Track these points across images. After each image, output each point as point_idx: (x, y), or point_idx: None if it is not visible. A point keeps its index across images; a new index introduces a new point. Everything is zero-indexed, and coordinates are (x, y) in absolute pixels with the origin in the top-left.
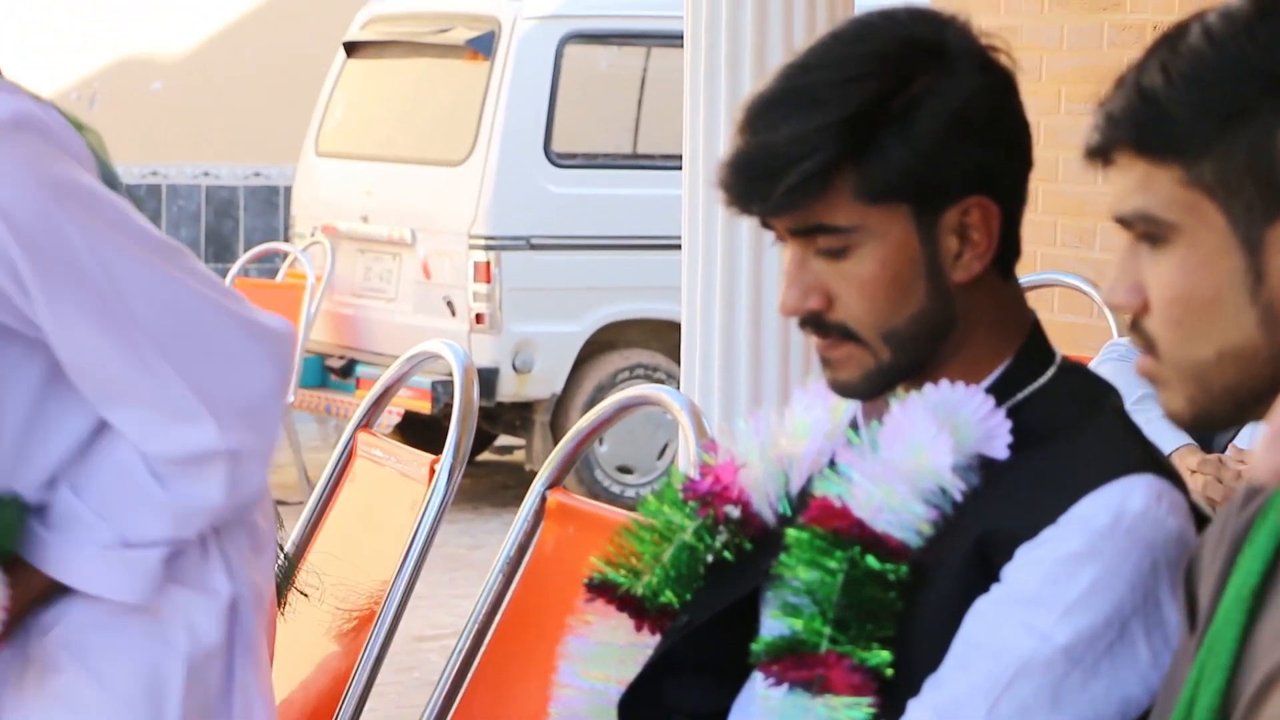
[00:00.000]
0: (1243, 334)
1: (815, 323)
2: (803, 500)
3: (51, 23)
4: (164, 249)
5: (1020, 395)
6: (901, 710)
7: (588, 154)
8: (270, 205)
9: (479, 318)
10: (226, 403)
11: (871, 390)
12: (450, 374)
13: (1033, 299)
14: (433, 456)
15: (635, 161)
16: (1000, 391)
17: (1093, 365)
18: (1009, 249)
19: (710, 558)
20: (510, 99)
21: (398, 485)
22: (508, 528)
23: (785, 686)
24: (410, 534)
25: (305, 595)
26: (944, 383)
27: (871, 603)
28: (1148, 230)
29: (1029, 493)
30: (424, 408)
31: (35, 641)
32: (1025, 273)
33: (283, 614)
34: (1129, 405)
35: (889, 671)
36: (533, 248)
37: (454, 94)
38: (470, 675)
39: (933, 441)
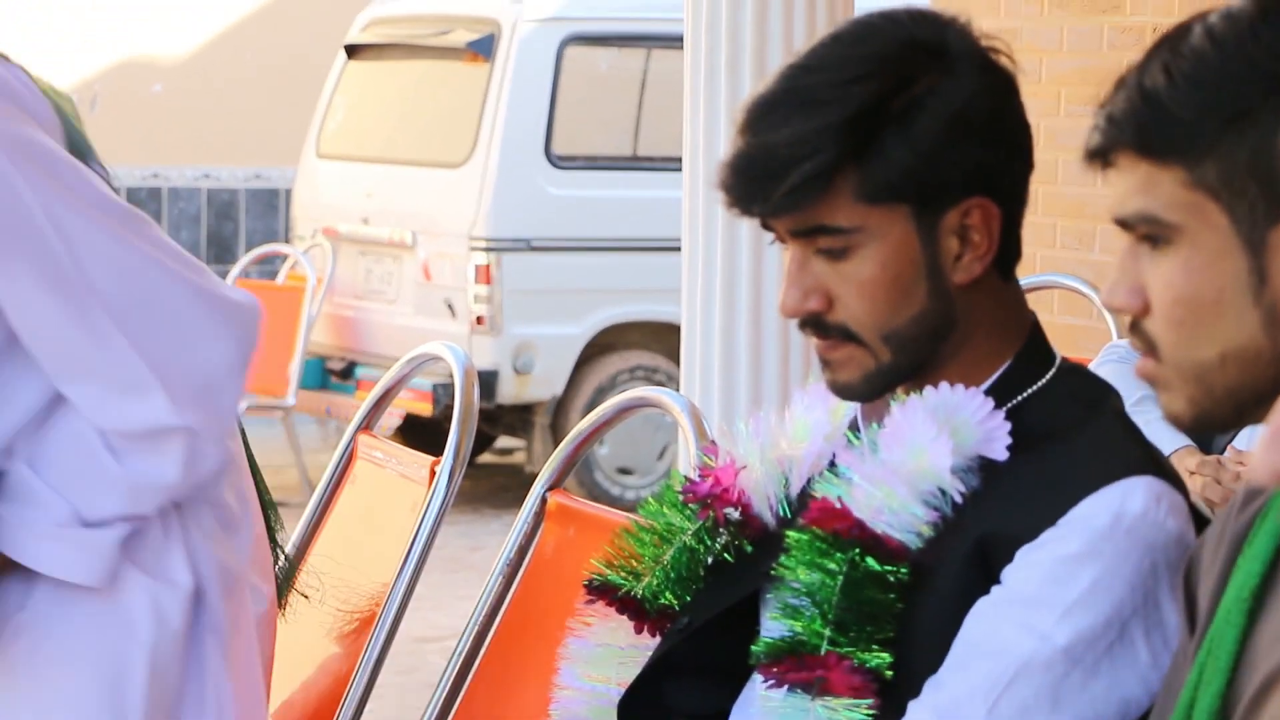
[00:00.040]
0: (1245, 335)
1: (815, 324)
2: (803, 502)
3: (51, 24)
4: (126, 217)
5: (1020, 397)
6: (902, 711)
7: (588, 156)
8: (271, 207)
9: (479, 320)
10: (182, 378)
11: (871, 391)
12: (451, 376)
13: (1032, 301)
14: (433, 458)
15: (635, 163)
16: (1000, 393)
17: (1092, 367)
18: (1009, 250)
19: (710, 559)
20: (510, 101)
21: (398, 487)
22: (508, 529)
23: (785, 688)
24: (411, 535)
25: (306, 597)
26: (944, 385)
27: (871, 604)
28: (1149, 232)
29: (1029, 494)
30: (425, 410)
31: (2, 621)
32: (1025, 275)
33: (283, 615)
34: (1128, 407)
35: (889, 673)
36: (533, 250)
37: (454, 96)
38: (471, 677)
39: (932, 443)
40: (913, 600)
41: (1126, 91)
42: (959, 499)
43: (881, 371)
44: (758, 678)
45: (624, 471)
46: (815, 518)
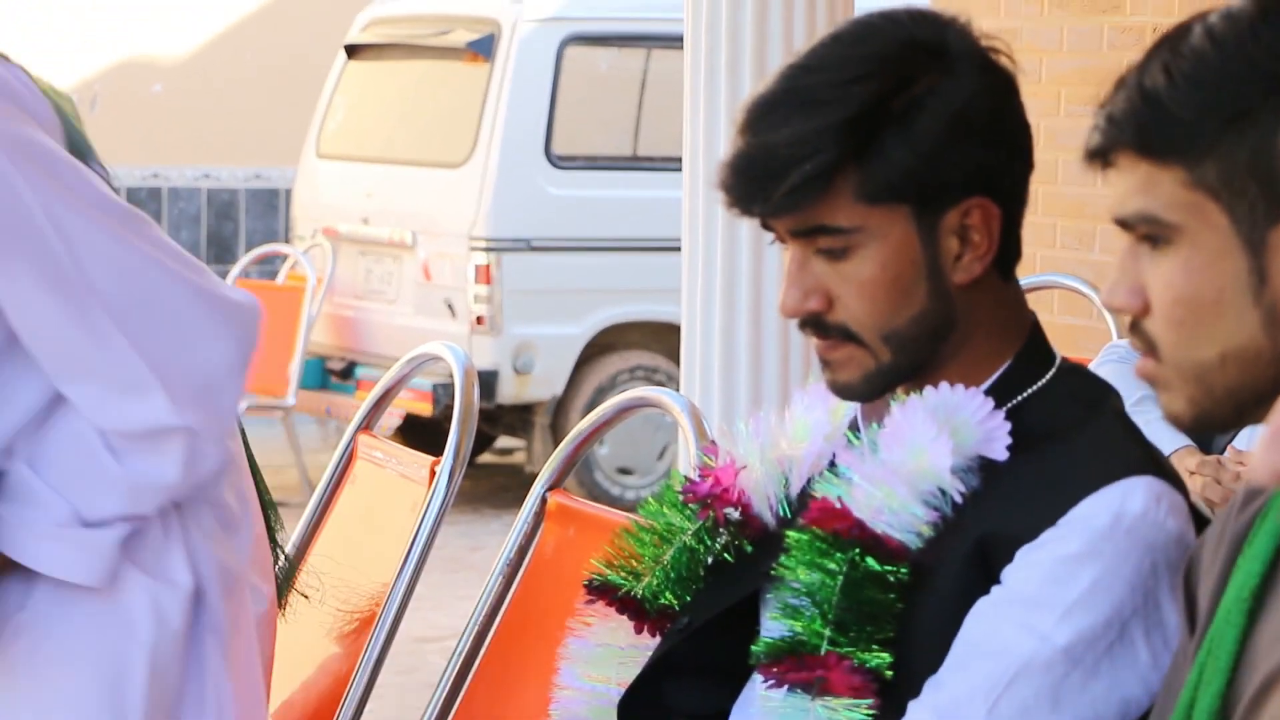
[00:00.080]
0: (1245, 335)
1: (815, 324)
2: (803, 502)
3: (51, 24)
4: (125, 217)
5: (1020, 397)
6: (902, 711)
7: (588, 156)
8: (271, 207)
9: (479, 320)
10: (182, 378)
11: (871, 391)
12: (451, 376)
13: (1032, 301)
14: (433, 458)
15: (635, 163)
16: (1000, 393)
17: (1092, 367)
18: (1009, 250)
19: (710, 559)
20: (510, 101)
21: (398, 487)
22: (508, 529)
23: (785, 688)
24: (411, 535)
25: (306, 597)
26: (944, 385)
27: (871, 604)
28: (1149, 232)
29: (1029, 494)
30: (425, 410)
31: (2, 621)
32: (1024, 275)
33: (283, 615)
34: (1128, 407)
35: (889, 673)
36: (533, 250)
37: (454, 96)
38: (471, 677)
39: (932, 443)
40: (913, 600)
41: (1126, 91)
42: (959, 499)
43: (881, 371)
44: (758, 678)
45: (624, 471)
46: (815, 518)
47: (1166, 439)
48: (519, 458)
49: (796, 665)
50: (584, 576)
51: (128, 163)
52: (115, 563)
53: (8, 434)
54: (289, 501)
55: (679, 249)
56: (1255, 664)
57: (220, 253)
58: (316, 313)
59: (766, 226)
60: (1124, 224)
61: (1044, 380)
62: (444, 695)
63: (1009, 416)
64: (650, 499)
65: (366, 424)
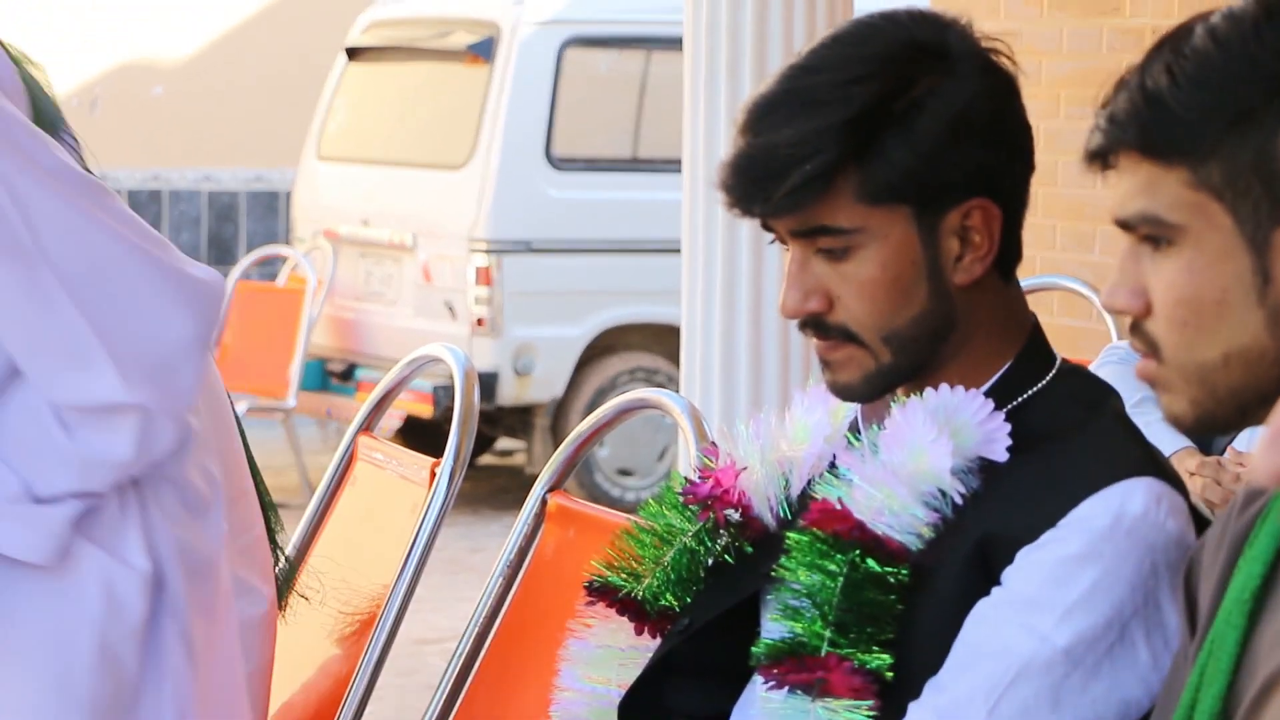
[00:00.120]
0: (1249, 335)
1: (816, 324)
2: (803, 503)
3: (51, 25)
4: (86, 187)
5: (1021, 398)
6: (902, 712)
7: (588, 158)
8: (271, 210)
9: (480, 321)
10: (135, 353)
11: (871, 392)
12: (451, 378)
13: (1032, 302)
14: (433, 460)
15: (635, 165)
16: (1000, 394)
17: (1092, 368)
18: (1010, 251)
19: (711, 561)
20: (511, 103)
21: (398, 488)
22: (508, 531)
23: (786, 689)
24: (411, 537)
25: (306, 598)
26: (944, 386)
27: (872, 605)
28: (1151, 233)
29: (1029, 495)
30: (425, 411)
31: None
32: (1024, 276)
33: (284, 617)
34: (1129, 408)
35: (889, 674)
36: (533, 251)
37: (455, 98)
38: (471, 678)
39: (933, 444)
40: (913, 601)
41: (1128, 92)
42: (959, 500)
43: (882, 372)
44: (758, 679)
45: (624, 473)
46: (816, 519)
47: (1167, 440)
48: (519, 459)
49: (797, 666)
50: (584, 578)
51: (128, 165)
52: (66, 540)
53: None
54: (289, 503)
55: (679, 251)
56: (1256, 665)
57: (221, 255)
58: (317, 315)
59: (767, 227)
60: (1125, 225)
61: (1044, 381)
62: (444, 697)
63: (1009, 418)
64: (650, 500)
65: (367, 425)
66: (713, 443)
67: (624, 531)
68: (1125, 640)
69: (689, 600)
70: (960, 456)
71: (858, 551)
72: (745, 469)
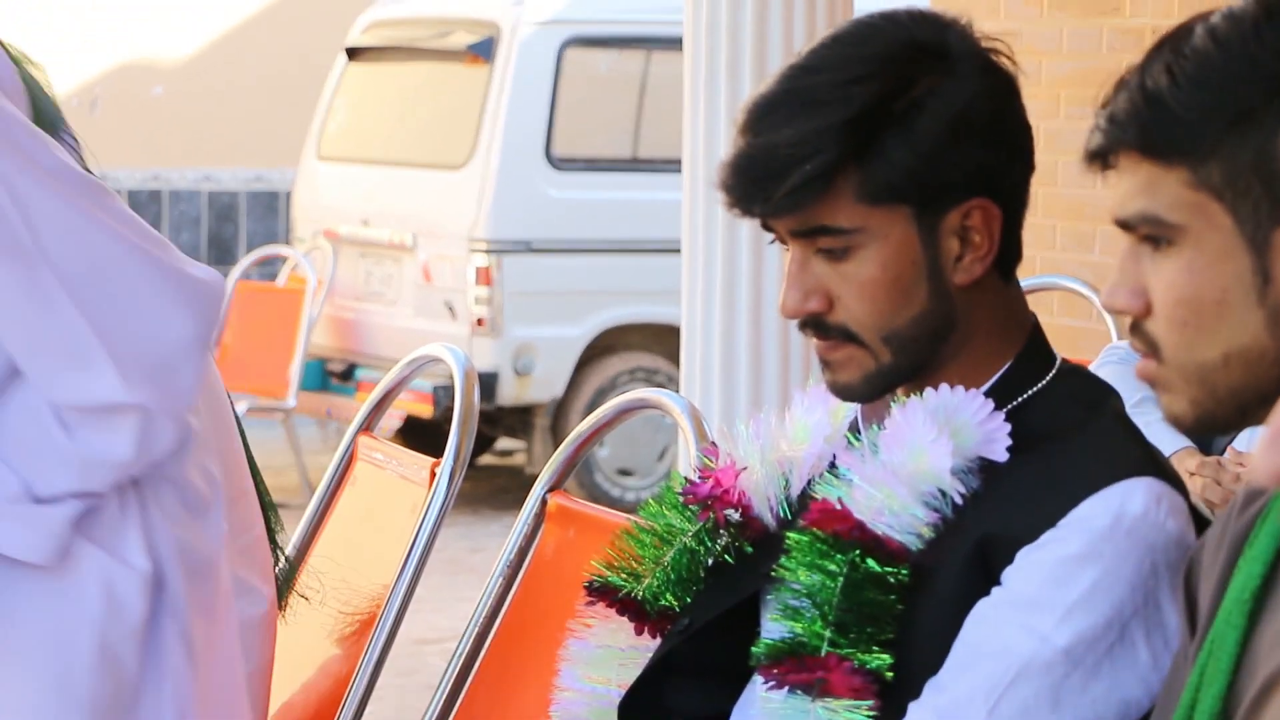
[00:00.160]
0: (1249, 335)
1: (816, 324)
2: (803, 503)
3: (51, 25)
4: (86, 187)
5: (1021, 398)
6: (902, 712)
7: (588, 158)
8: (271, 210)
9: (480, 321)
10: (134, 353)
11: (871, 392)
12: (451, 378)
13: (1032, 302)
14: (433, 460)
15: (635, 165)
16: (1000, 394)
17: (1092, 368)
18: (1010, 252)
19: (711, 561)
20: (511, 103)
21: (398, 489)
22: (508, 531)
23: (786, 689)
24: (411, 537)
25: (306, 599)
26: (944, 386)
27: (872, 605)
28: (1151, 233)
29: (1029, 495)
30: (425, 411)
31: None
32: (1024, 276)
33: (284, 617)
34: (1128, 408)
35: (889, 674)
36: (533, 251)
37: (454, 98)
38: (471, 678)
39: (933, 444)
40: (913, 601)
41: (1128, 92)
42: (959, 500)
43: (882, 372)
44: (758, 679)
45: (624, 473)
46: (816, 519)
47: (1166, 440)
48: (519, 459)
49: (797, 666)
50: (584, 578)
51: (128, 165)
52: (66, 540)
53: None
54: (289, 503)
55: (679, 251)
56: (1256, 666)
57: (221, 255)
58: (317, 315)
59: (767, 227)
60: (1125, 225)
61: (1044, 382)
62: (444, 697)
63: (1009, 418)
64: (650, 500)
65: (367, 426)
66: (713, 443)
67: (624, 531)
68: (1125, 640)
69: (689, 600)
70: (960, 456)
71: (858, 551)
72: (745, 469)
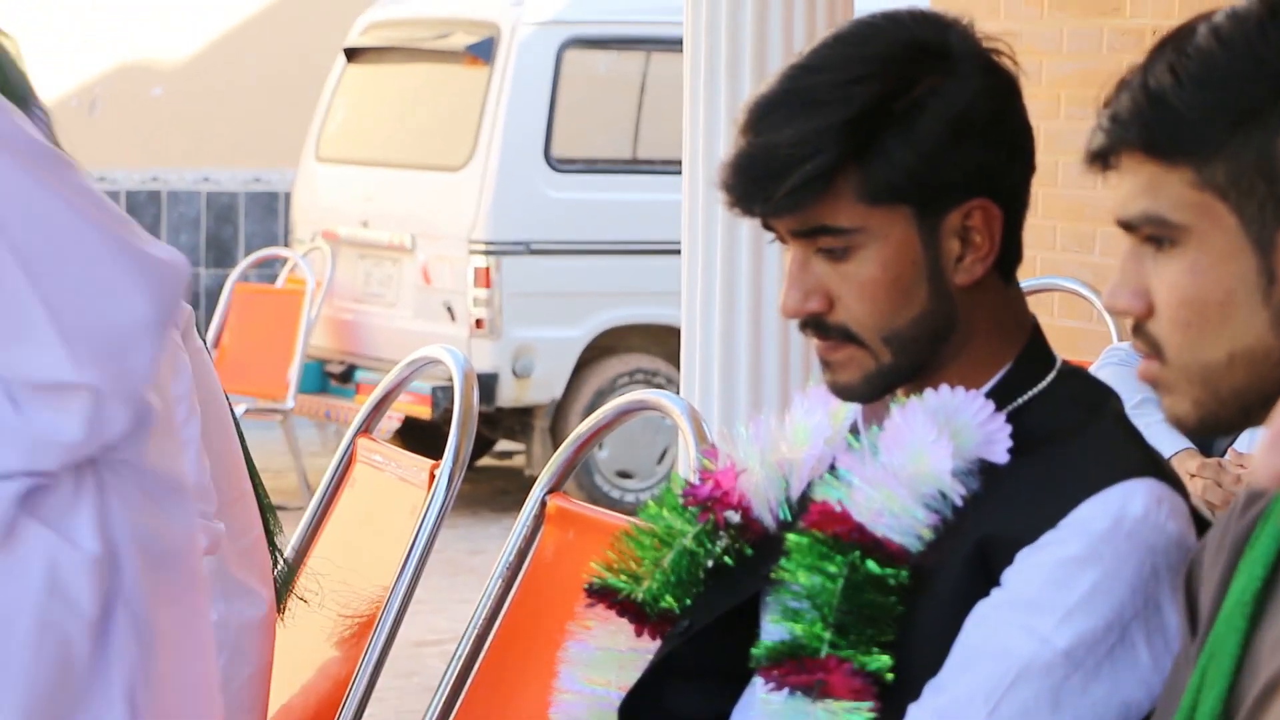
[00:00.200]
0: (1254, 336)
1: (816, 325)
2: (803, 505)
3: (51, 25)
4: (48, 159)
5: (1021, 399)
6: (902, 714)
7: (587, 159)
8: (270, 211)
9: (479, 323)
10: (87, 330)
11: (872, 393)
12: (450, 379)
13: (1032, 303)
14: (432, 462)
15: (635, 166)
16: (1001, 395)
17: (1092, 370)
18: (1010, 252)
19: (710, 563)
20: (510, 104)
21: (397, 490)
22: (508, 533)
23: (786, 691)
24: (410, 539)
25: (305, 601)
26: (944, 387)
27: (872, 607)
28: (1155, 233)
29: (1029, 497)
30: (424, 413)
31: None
32: (1024, 277)
33: (283, 619)
34: (1129, 410)
35: (889, 676)
36: (533, 253)
37: (454, 99)
38: (470, 680)
39: (933, 446)
40: (913, 603)
41: (1131, 92)
42: (959, 502)
43: (882, 373)
44: (758, 681)
45: (624, 475)
46: (815, 521)
47: (1167, 441)
48: (518, 461)
49: (797, 668)
50: (584, 580)
51: (127, 166)
52: (10, 517)
53: None
54: (288, 505)
55: (679, 252)
56: (1257, 668)
57: (220, 256)
58: (316, 316)
59: (768, 227)
60: (1128, 225)
61: (1044, 383)
62: (443, 699)
63: (1009, 419)
64: (650, 502)
65: (366, 427)
66: (712, 444)
67: (624, 533)
68: (1126, 642)
69: (689, 602)
70: (960, 458)
71: (858, 553)
72: (745, 471)
